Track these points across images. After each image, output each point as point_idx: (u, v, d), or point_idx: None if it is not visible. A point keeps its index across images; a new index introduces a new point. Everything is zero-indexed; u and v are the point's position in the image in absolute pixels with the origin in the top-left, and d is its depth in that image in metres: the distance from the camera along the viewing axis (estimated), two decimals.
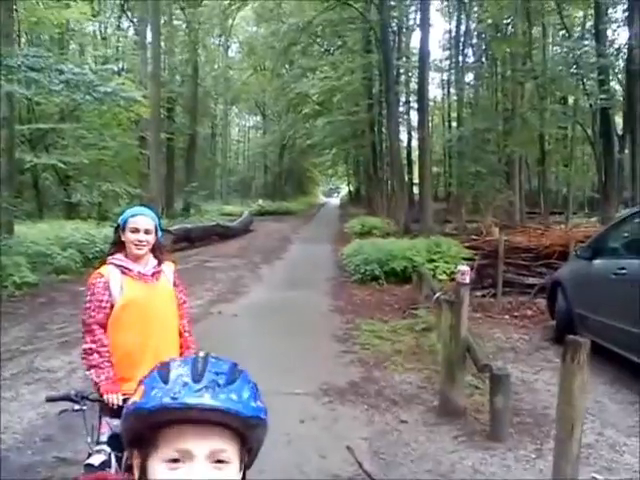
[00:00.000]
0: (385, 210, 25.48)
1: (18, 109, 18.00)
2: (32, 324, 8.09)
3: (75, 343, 6.45)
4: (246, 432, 0.93)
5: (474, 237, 12.31)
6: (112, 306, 2.77)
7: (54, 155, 18.22)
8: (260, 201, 38.89)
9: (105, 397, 2.71)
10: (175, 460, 0.88)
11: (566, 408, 2.83)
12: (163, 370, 0.93)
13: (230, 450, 0.91)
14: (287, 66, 34.50)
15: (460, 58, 29.21)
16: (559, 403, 2.90)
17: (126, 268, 2.83)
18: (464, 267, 4.98)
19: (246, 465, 0.99)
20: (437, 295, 6.39)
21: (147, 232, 2.85)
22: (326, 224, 29.93)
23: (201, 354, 0.96)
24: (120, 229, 2.89)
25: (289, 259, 16.01)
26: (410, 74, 30.60)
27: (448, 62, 32.01)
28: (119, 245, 2.91)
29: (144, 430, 0.91)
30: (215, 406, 0.87)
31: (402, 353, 6.66)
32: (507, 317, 8.50)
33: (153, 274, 2.91)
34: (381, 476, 3.82)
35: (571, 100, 24.01)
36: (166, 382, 0.90)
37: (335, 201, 65.71)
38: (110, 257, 2.90)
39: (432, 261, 11.29)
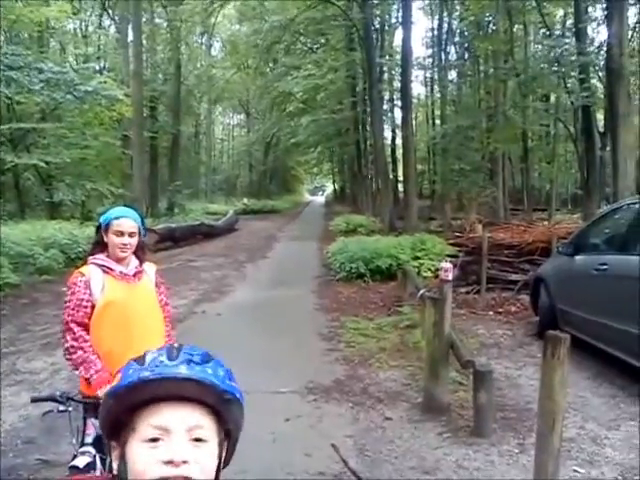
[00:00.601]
0: (370, 208, 25.58)
1: None
2: (14, 325, 8.02)
3: (58, 344, 6.38)
4: (222, 409, 0.94)
5: (458, 234, 12.37)
6: (93, 306, 2.75)
7: (35, 155, 18.02)
8: (245, 200, 38.83)
9: (99, 392, 2.67)
10: (154, 440, 0.88)
11: (547, 403, 2.86)
12: (139, 358, 0.94)
13: (207, 427, 0.92)
14: (270, 64, 34.40)
15: (443, 56, 29.39)
16: (540, 398, 2.94)
17: (108, 268, 2.81)
18: (447, 264, 5.00)
19: (226, 455, 0.99)
20: (421, 292, 6.43)
21: (131, 235, 2.84)
22: (311, 222, 29.93)
23: (175, 344, 0.98)
24: (102, 229, 2.87)
25: (274, 258, 16.00)
26: (393, 72, 30.66)
27: (431, 60, 32.12)
28: (101, 245, 2.90)
29: (121, 414, 0.91)
30: (190, 376, 0.89)
31: (387, 350, 6.68)
32: (491, 313, 8.56)
33: (135, 274, 2.89)
34: (366, 474, 3.83)
35: (553, 98, 24.22)
36: (142, 364, 0.92)
37: (320, 199, 65.86)
38: (91, 257, 2.88)
39: (417, 258, 11.33)
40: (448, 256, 10.31)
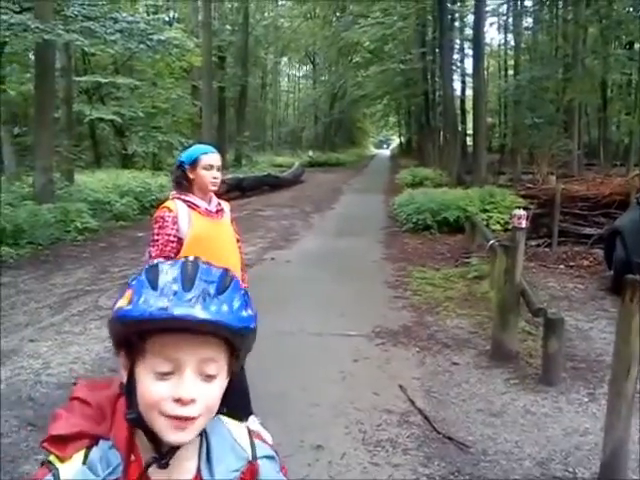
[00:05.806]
0: (437, 161, 25.05)
1: (74, 61, 18.31)
2: (94, 267, 8.44)
3: None
4: (235, 341, 0.89)
5: (530, 185, 12.00)
6: (179, 240, 2.87)
7: (110, 108, 18.54)
8: (310, 152, 38.79)
9: None
10: (164, 373, 0.85)
11: (623, 347, 2.82)
12: (151, 274, 0.87)
13: (219, 360, 0.88)
14: (338, 13, 33.73)
15: (519, 1, 27.92)
16: (616, 342, 2.90)
17: (193, 204, 2.92)
18: (520, 211, 4.90)
19: (232, 372, 0.94)
20: (491, 242, 6.34)
21: (218, 169, 2.98)
22: (377, 175, 29.71)
23: (190, 258, 0.91)
24: (188, 166, 2.96)
25: (340, 209, 16.04)
26: (465, 19, 29.48)
27: (506, 6, 30.56)
28: (182, 185, 3.00)
29: (131, 336, 0.86)
30: (206, 319, 0.82)
31: (454, 300, 6.68)
32: (562, 267, 8.37)
33: (217, 211, 3.01)
34: (433, 414, 3.91)
35: (637, 46, 22.71)
36: (155, 288, 0.84)
37: (385, 153, 65.06)
38: (175, 193, 2.99)
39: (486, 211, 11.12)
40: (519, 208, 10.07)
